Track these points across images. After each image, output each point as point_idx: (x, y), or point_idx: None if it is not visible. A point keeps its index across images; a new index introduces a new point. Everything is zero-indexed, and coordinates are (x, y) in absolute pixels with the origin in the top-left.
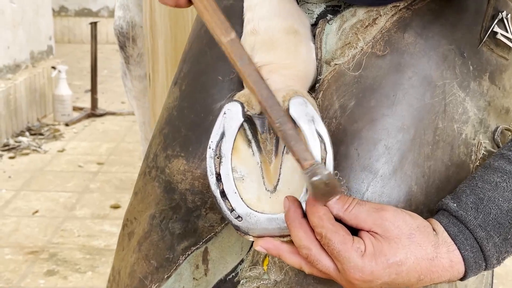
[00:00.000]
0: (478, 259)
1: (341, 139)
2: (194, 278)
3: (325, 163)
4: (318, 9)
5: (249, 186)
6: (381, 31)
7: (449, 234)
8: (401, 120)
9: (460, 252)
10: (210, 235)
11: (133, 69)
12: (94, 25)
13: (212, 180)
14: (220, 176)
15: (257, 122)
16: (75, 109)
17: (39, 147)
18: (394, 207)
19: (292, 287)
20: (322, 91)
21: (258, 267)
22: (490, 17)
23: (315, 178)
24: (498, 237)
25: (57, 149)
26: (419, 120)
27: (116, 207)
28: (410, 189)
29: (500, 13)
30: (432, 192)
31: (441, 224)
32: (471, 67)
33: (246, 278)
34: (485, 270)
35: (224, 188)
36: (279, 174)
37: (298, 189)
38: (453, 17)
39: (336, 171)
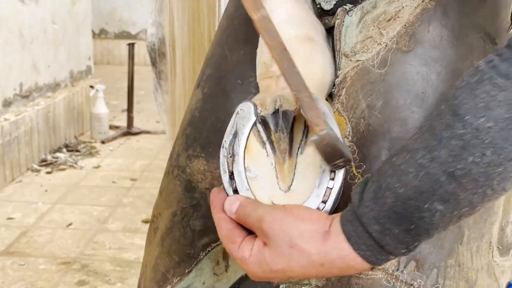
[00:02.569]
0: (379, 254)
1: (372, 140)
2: (214, 274)
3: None
4: None
5: (263, 185)
6: (405, 26)
7: (344, 235)
8: None
9: (356, 253)
10: None
11: (164, 84)
12: (131, 46)
13: (225, 178)
14: (233, 174)
15: (270, 121)
16: (112, 127)
17: (76, 163)
18: (276, 211)
19: None
20: (345, 88)
21: None
22: None
23: (313, 138)
24: (397, 228)
25: (92, 165)
26: None
27: (147, 221)
28: None
29: None
30: None
31: (340, 221)
32: None
33: (285, 284)
34: (400, 256)
35: (236, 186)
36: (293, 174)
37: (310, 189)
38: (478, 2)
39: (354, 150)
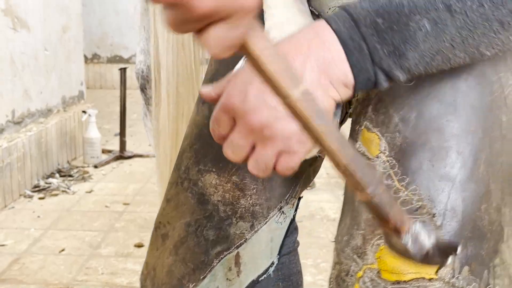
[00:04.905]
0: (351, 30)
1: (411, 152)
2: (227, 279)
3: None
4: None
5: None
6: None
7: (326, 20)
8: (467, 123)
9: (328, 24)
10: (241, 241)
11: (153, 110)
12: (123, 70)
13: None
14: None
15: None
16: (104, 151)
17: (68, 188)
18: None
19: None
20: (370, 105)
21: None
22: None
23: (405, 240)
24: (380, 18)
25: (85, 190)
26: (484, 119)
27: (139, 246)
28: (488, 188)
29: None
30: (506, 186)
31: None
32: None
33: None
34: (373, 61)
35: None
36: None
37: None
38: None
39: (394, 164)
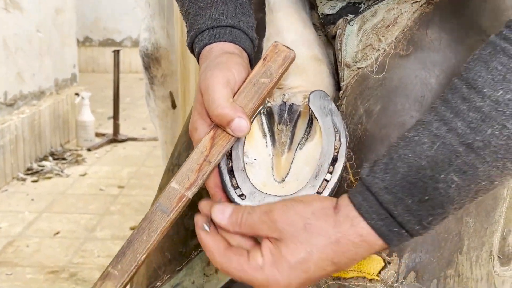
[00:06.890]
0: (392, 226)
1: (369, 146)
2: (204, 274)
3: (338, 152)
4: (341, 3)
5: (258, 172)
6: (403, 30)
7: (353, 205)
8: None
9: (367, 223)
10: None
11: (156, 89)
12: (117, 53)
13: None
14: (231, 154)
15: (275, 112)
16: (98, 135)
17: (62, 171)
18: (283, 201)
19: None
20: (345, 97)
21: None
22: None
23: None
24: (410, 199)
25: (79, 173)
26: None
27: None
28: None
29: None
30: None
31: (348, 196)
32: None
33: None
34: (414, 236)
35: (232, 166)
36: (290, 168)
37: (305, 181)
38: (479, 5)
39: (351, 156)
